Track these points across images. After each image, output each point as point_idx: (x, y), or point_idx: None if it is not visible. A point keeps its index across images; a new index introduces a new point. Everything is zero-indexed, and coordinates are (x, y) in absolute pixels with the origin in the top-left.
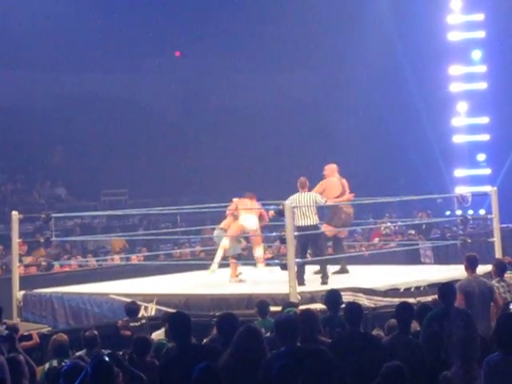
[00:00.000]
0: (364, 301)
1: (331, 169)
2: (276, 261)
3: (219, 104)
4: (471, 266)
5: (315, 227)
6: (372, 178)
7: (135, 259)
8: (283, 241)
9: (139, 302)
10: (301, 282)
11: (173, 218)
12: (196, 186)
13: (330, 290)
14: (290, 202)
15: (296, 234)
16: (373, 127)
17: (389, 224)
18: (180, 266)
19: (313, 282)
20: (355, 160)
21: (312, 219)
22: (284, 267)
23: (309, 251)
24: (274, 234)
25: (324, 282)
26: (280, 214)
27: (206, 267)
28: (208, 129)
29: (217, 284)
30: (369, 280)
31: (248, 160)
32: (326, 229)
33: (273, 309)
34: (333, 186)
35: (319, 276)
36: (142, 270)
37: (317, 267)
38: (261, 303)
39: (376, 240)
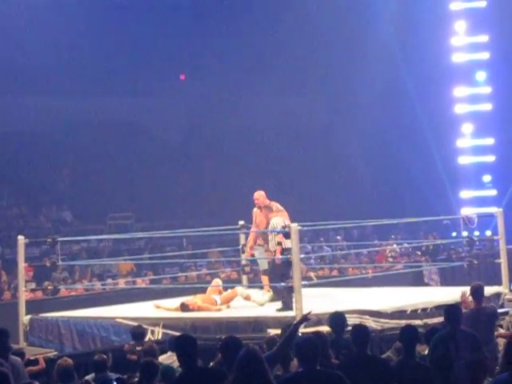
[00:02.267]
0: (370, 323)
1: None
2: (282, 284)
3: (226, 127)
4: (477, 297)
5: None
6: (377, 199)
7: (141, 283)
8: (289, 263)
9: (145, 326)
10: (288, 306)
11: (179, 241)
12: (203, 209)
13: (334, 312)
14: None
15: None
16: (378, 149)
17: (394, 246)
18: (186, 289)
19: (318, 305)
20: (361, 182)
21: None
22: (290, 290)
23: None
24: (280, 256)
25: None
26: (286, 236)
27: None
28: (214, 152)
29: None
30: (375, 302)
31: (255, 183)
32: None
33: (274, 332)
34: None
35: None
36: (148, 293)
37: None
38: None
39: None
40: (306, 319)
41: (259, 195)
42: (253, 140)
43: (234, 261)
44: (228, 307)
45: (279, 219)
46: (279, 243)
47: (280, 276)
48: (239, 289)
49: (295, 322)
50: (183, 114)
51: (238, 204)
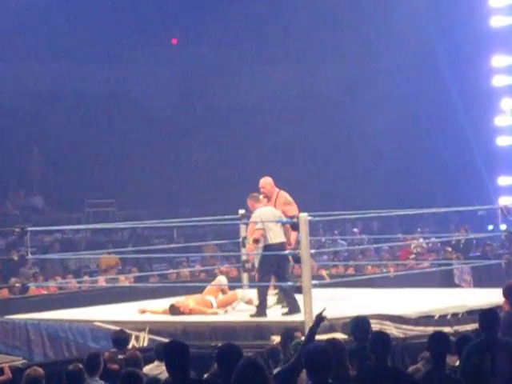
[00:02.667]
0: (392, 330)
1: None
2: (289, 283)
3: (225, 99)
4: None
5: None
6: (401, 185)
7: (124, 280)
8: (297, 259)
9: (129, 331)
10: (295, 309)
11: (169, 232)
12: (196, 195)
13: (356, 316)
14: (259, 216)
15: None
16: (403, 127)
17: (421, 240)
18: (176, 288)
19: (331, 308)
20: (381, 165)
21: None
22: (298, 290)
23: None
24: (287, 251)
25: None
26: (294, 227)
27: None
28: (211, 128)
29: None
30: (397, 306)
31: (258, 164)
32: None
33: (279, 339)
34: None
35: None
36: (132, 293)
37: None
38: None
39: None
40: (321, 319)
41: (266, 183)
42: (254, 115)
43: (233, 256)
44: (225, 312)
45: (263, 210)
46: (256, 240)
47: (268, 275)
48: (240, 291)
49: (311, 326)
50: (174, 83)
51: (238, 189)
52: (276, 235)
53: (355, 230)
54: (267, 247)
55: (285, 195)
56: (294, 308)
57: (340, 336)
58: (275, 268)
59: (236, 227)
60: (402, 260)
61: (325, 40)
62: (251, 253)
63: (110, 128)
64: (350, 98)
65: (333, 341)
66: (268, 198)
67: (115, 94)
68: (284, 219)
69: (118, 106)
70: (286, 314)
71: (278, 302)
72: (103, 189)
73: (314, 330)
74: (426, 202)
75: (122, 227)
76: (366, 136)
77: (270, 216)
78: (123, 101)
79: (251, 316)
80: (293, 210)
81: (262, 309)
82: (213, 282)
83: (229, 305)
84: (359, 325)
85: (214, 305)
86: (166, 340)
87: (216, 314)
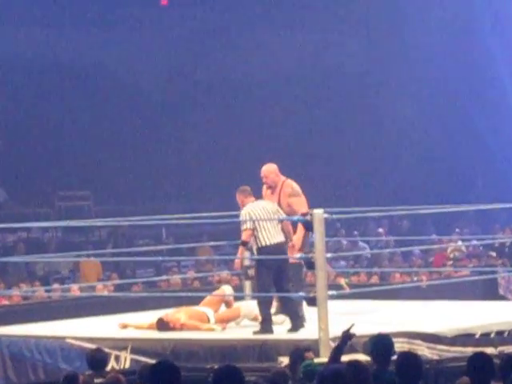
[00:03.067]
0: (424, 350)
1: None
2: (301, 293)
3: (224, 74)
4: None
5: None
6: (436, 178)
7: (102, 289)
8: (310, 265)
9: (108, 350)
10: (299, 324)
11: (156, 232)
12: (190, 187)
13: (377, 334)
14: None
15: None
16: (439, 109)
17: (460, 243)
18: (165, 299)
19: (341, 324)
20: (413, 154)
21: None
22: (312, 302)
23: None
24: (298, 255)
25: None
26: (307, 226)
27: (200, 300)
28: (206, 108)
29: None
30: (430, 321)
31: (264, 152)
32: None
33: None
34: None
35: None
36: (112, 304)
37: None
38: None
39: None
40: (349, 337)
41: (269, 171)
42: (260, 93)
43: (233, 260)
44: (224, 329)
45: (252, 206)
46: (244, 243)
47: (268, 283)
48: (244, 306)
49: (336, 345)
50: (162, 53)
51: (239, 181)
52: (271, 235)
53: (380, 230)
54: (261, 250)
55: (291, 184)
56: (298, 322)
57: (362, 358)
58: (274, 275)
59: (236, 226)
60: (436, 267)
61: (352, 7)
62: (239, 258)
63: (85, 107)
64: (375, 74)
65: (354, 363)
66: (272, 189)
67: (90, 66)
68: (283, 215)
69: (93, 80)
70: (290, 330)
71: (276, 312)
72: (77, 180)
73: (340, 349)
74: (467, 198)
75: (99, 225)
76: (393, 121)
77: (261, 212)
78: (100, 74)
79: (254, 333)
80: (300, 202)
81: (266, 324)
82: (215, 292)
83: (229, 321)
84: (379, 344)
85: (212, 319)
86: (152, 361)
87: (212, 330)
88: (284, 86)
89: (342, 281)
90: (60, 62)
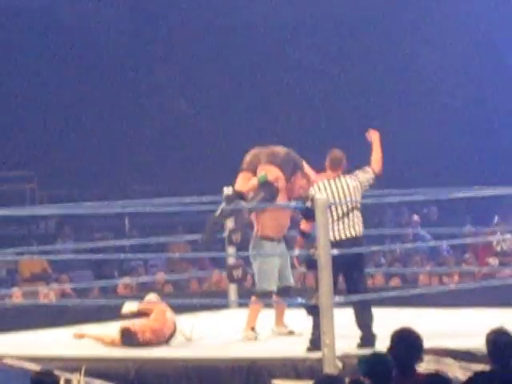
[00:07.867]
0: (455, 371)
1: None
2: (299, 299)
3: (208, 20)
4: None
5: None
6: (475, 156)
7: (49, 295)
8: (311, 265)
9: (57, 372)
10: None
11: (117, 222)
12: (160, 167)
13: (373, 353)
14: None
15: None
16: (484, 75)
17: (508, 236)
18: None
19: (352, 339)
20: (450, 130)
21: (359, 226)
22: (312, 311)
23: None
24: (297, 251)
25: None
26: (307, 215)
27: (175, 309)
28: (184, 67)
29: (198, 339)
30: (463, 335)
31: (255, 118)
32: None
33: None
34: None
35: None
36: (62, 312)
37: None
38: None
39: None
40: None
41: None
42: (259, 45)
43: (216, 258)
44: (189, 340)
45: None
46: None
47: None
48: (179, 322)
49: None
50: None
51: (224, 159)
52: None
53: (416, 217)
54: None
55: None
56: (317, 340)
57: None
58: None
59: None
60: (482, 265)
61: None
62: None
63: (28, 65)
64: (406, 29)
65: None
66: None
67: (34, 11)
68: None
69: (38, 29)
70: (310, 348)
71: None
72: (18, 158)
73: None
74: (509, 179)
75: (45, 214)
76: (432, 90)
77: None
78: (46, 21)
79: (308, 349)
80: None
81: (317, 337)
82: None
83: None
84: (378, 364)
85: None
86: None
87: (190, 340)
88: (290, 37)
89: None
90: None
